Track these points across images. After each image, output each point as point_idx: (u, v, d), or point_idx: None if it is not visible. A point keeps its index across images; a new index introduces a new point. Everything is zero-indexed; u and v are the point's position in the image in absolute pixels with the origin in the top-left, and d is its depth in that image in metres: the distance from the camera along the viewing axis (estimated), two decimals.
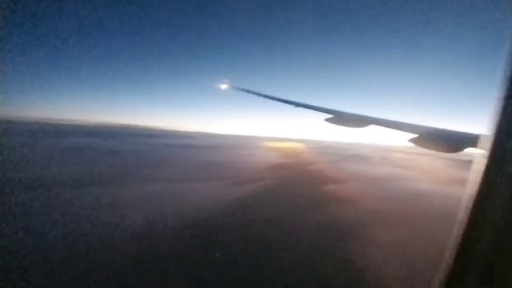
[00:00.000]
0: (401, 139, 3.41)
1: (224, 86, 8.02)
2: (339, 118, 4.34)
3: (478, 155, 0.86)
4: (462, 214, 0.86)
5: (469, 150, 2.73)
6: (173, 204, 14.11)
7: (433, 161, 50.16)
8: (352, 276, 8.11)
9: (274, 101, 5.86)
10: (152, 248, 8.96)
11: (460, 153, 2.91)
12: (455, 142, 3.11)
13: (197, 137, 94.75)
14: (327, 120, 4.33)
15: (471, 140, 2.85)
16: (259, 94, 6.52)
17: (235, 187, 18.96)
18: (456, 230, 0.86)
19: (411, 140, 3.25)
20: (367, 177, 27.65)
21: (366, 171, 32.47)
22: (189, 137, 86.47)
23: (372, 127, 3.83)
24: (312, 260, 8.85)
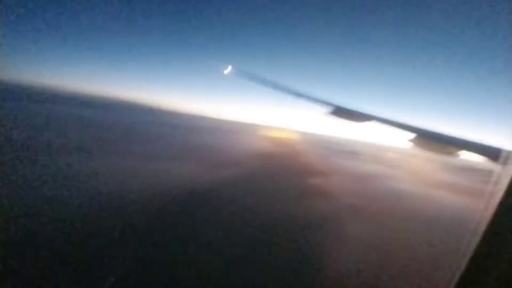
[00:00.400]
0: (401, 140, 3.49)
1: (227, 71, 7.81)
2: (340, 112, 4.33)
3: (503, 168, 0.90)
4: (482, 223, 0.87)
5: (464, 155, 2.84)
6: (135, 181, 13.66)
7: (425, 163, 50.11)
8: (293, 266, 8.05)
9: (272, 90, 5.86)
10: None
11: (456, 158, 3.04)
12: (452, 146, 3.16)
13: (186, 118, 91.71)
14: (328, 113, 4.33)
15: (467, 146, 2.91)
16: (264, 82, 6.40)
17: (212, 171, 18.56)
18: (475, 239, 0.88)
19: (411, 140, 3.33)
20: (354, 174, 27.38)
21: (354, 166, 32.29)
22: (191, 120, 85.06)
23: (373, 124, 3.89)
24: (256, 251, 8.56)
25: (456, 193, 22.51)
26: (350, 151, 54.38)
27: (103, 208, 9.86)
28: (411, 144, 3.41)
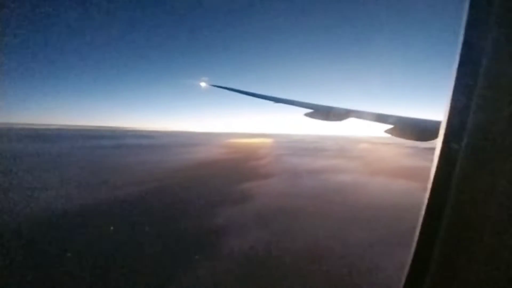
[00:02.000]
0: (380, 131, 3.48)
1: (203, 84, 7.89)
2: (318, 112, 4.36)
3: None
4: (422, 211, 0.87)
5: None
6: None
7: (394, 150, 49.19)
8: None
9: (255, 98, 5.78)
10: None
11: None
12: (428, 130, 3.13)
13: (161, 136, 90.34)
14: (307, 114, 4.33)
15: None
16: (239, 91, 6.32)
17: (114, 191, 15.48)
18: (418, 228, 0.88)
19: (387, 131, 3.36)
20: (301, 171, 24.79)
21: (307, 164, 29.69)
22: (151, 137, 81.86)
23: (352, 120, 3.90)
24: None
25: (408, 179, 20.51)
26: (315, 148, 52.83)
27: None
28: (389, 134, 3.36)
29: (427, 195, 0.86)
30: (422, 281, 0.85)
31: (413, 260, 0.88)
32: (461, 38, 0.78)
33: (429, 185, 0.86)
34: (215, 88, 7.23)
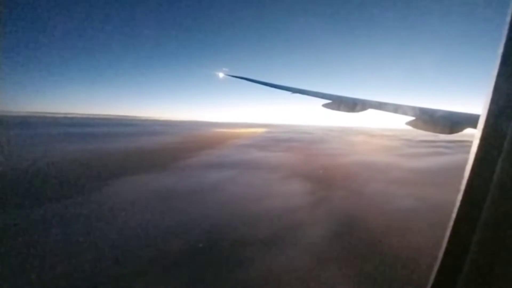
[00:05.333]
0: (401, 123, 3.36)
1: (222, 75, 7.68)
2: (336, 103, 4.22)
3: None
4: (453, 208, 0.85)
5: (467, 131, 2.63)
6: None
7: (375, 145, 45.38)
8: None
9: (272, 88, 5.58)
10: None
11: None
12: (452, 122, 3.02)
13: (160, 124, 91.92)
14: (325, 105, 4.23)
15: (469, 121, 2.78)
16: (257, 81, 6.13)
17: None
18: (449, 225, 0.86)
19: (408, 123, 3.24)
20: (206, 164, 22.75)
21: (231, 156, 27.81)
22: (144, 126, 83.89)
23: (370, 111, 3.80)
24: None
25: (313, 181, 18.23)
26: (290, 139, 50.84)
27: None
28: (410, 126, 3.22)
29: (459, 197, 0.84)
30: (455, 278, 0.83)
31: (443, 261, 0.86)
32: (504, 34, 0.76)
33: (462, 187, 0.83)
34: (236, 79, 7.06)
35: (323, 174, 20.11)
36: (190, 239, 8.93)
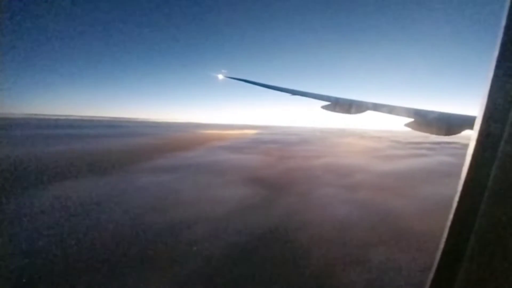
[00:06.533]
0: (400, 124, 3.36)
1: (221, 76, 7.37)
2: (335, 104, 4.23)
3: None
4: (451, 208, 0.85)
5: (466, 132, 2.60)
6: None
7: (358, 146, 43.96)
8: None
9: (271, 90, 5.50)
10: None
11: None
12: (450, 124, 3.04)
13: (152, 126, 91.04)
14: (324, 107, 4.23)
15: (465, 123, 2.82)
16: (256, 83, 6.06)
17: None
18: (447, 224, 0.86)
19: (407, 125, 3.23)
20: (166, 166, 21.51)
21: (196, 158, 26.56)
22: (133, 127, 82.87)
23: (370, 113, 3.82)
24: None
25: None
26: (272, 141, 49.40)
27: None
28: (409, 127, 3.20)
29: (456, 198, 0.84)
30: (452, 280, 0.83)
31: (441, 258, 0.86)
32: (500, 35, 0.77)
33: (459, 188, 0.83)
34: (235, 81, 6.87)
35: (281, 177, 18.76)
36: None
